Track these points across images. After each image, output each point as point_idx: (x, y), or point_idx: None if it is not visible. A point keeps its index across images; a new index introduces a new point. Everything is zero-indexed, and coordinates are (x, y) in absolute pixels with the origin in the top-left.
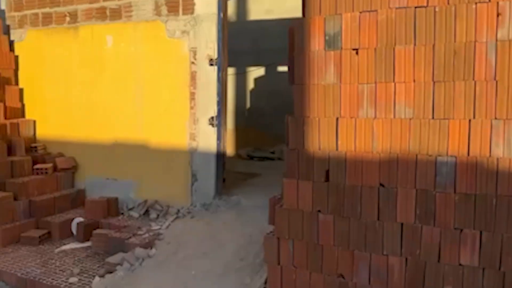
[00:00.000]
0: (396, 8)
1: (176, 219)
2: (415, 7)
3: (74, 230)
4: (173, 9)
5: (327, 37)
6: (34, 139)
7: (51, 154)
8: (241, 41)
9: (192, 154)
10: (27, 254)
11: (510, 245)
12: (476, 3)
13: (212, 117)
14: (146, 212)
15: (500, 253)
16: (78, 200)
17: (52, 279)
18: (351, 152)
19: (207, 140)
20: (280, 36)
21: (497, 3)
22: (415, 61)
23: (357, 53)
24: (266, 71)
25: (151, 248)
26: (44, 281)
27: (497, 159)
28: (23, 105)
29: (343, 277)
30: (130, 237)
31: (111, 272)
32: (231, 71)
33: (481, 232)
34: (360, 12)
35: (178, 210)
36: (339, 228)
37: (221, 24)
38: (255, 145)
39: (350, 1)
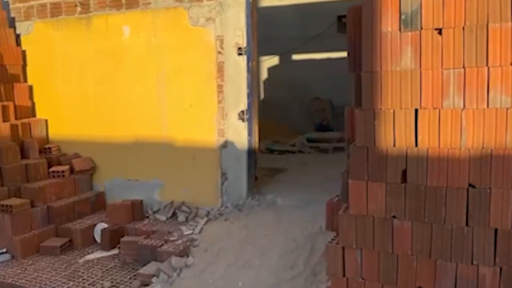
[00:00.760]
0: None
1: (208, 222)
2: None
3: (97, 237)
4: None
5: (403, 16)
6: (47, 139)
7: (67, 155)
8: None
9: (221, 151)
10: (50, 266)
11: None
12: None
13: (242, 111)
14: (173, 215)
15: None
16: (97, 203)
17: None
18: (434, 149)
19: (237, 136)
20: (293, 22)
21: None
22: None
23: (440, 33)
24: (280, 60)
25: (187, 256)
26: None
27: None
28: (33, 104)
29: None
30: (162, 244)
31: (146, 285)
32: None
33: None
34: None
35: (208, 212)
36: (419, 235)
37: (249, 9)
38: (272, 138)
39: None
